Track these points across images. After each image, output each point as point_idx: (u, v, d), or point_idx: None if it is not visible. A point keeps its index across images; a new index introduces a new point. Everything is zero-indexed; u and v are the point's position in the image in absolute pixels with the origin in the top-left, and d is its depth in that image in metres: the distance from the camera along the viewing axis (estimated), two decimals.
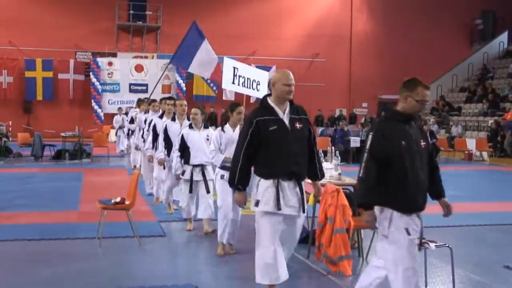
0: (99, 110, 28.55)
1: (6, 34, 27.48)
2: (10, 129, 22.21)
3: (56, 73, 28.27)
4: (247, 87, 9.53)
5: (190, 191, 7.53)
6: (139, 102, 13.32)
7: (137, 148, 12.30)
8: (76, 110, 28.69)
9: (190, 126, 7.60)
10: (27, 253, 6.56)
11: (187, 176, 7.53)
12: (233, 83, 9.29)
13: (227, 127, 6.60)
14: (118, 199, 6.93)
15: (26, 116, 28.03)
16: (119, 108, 22.63)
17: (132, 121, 14.14)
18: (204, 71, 12.61)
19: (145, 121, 10.59)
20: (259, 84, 9.70)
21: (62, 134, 18.06)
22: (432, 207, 4.45)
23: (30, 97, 28.13)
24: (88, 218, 8.25)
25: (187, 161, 7.50)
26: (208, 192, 7.43)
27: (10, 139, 18.95)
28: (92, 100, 28.50)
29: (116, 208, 6.92)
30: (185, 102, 8.63)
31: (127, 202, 6.95)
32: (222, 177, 6.40)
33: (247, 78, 9.49)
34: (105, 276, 5.74)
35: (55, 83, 28.32)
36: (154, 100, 11.16)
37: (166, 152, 8.50)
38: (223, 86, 9.32)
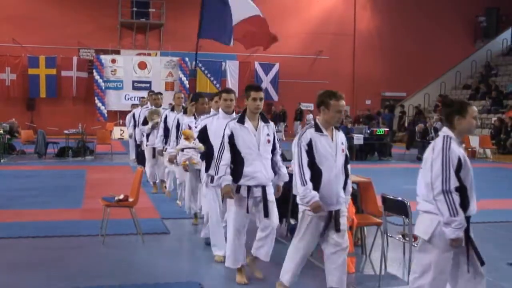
0: (102, 108, 28.56)
1: (10, 31, 27.50)
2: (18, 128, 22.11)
3: (59, 71, 28.29)
4: None
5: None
6: (154, 95, 11.49)
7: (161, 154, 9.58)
8: (79, 107, 28.72)
9: (317, 128, 4.58)
10: (31, 251, 6.56)
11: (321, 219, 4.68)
12: None
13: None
14: (121, 196, 6.93)
15: (29, 113, 28.06)
16: (133, 105, 17.86)
17: (145, 121, 11.13)
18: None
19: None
20: None
21: (65, 131, 18.07)
22: None
23: (33, 94, 28.16)
24: (91, 215, 8.27)
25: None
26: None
27: (17, 135, 18.97)
28: (95, 98, 28.52)
29: (119, 205, 6.93)
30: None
31: (130, 199, 6.95)
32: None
33: None
34: (109, 273, 5.74)
35: (58, 81, 28.35)
36: (217, 94, 6.97)
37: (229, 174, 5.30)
38: None
